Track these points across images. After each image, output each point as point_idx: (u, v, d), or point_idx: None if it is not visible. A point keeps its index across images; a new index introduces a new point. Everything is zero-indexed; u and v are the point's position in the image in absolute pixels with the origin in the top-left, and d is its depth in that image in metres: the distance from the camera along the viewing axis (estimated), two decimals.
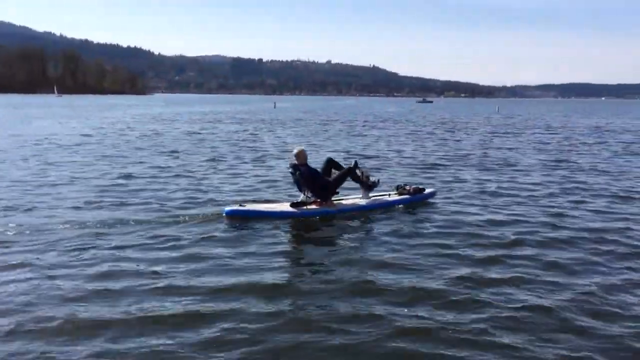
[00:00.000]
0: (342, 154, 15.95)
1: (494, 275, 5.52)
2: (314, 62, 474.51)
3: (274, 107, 70.95)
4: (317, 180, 8.06)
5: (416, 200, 8.66)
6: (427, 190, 8.94)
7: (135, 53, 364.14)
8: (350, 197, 8.68)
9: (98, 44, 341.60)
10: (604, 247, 6.60)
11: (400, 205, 8.48)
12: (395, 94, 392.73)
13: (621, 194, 10.16)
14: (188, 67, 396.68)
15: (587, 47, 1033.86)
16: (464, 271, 5.61)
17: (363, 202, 8.40)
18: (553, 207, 8.85)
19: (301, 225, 7.55)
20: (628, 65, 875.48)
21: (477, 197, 9.61)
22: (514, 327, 4.36)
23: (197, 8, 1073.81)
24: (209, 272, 5.50)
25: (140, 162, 13.74)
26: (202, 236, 6.71)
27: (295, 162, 8.08)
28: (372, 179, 8.53)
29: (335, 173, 8.33)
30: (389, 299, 4.88)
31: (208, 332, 4.20)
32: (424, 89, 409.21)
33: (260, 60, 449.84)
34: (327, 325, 4.34)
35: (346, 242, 6.92)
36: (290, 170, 8.25)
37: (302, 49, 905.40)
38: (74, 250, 6.11)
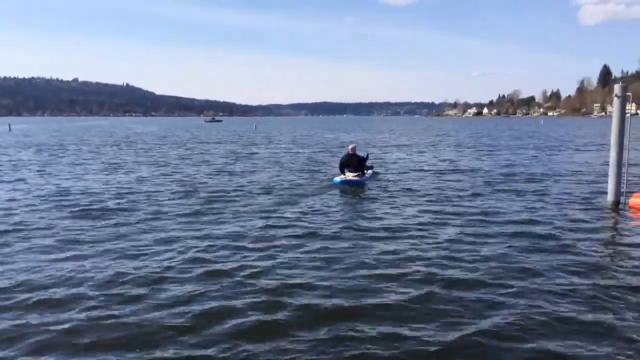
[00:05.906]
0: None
1: None
2: (58, 80, 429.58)
3: (9, 130, 61.86)
4: (362, 162, 14.62)
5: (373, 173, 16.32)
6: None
7: None
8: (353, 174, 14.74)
9: None
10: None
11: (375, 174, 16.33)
12: (152, 113, 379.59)
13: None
14: None
15: (330, 71, 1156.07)
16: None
17: (368, 175, 15.16)
18: None
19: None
20: (362, 88, 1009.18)
21: None
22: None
23: None
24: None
25: None
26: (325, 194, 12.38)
27: (350, 152, 14.62)
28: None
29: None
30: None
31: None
32: (182, 108, 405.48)
33: None
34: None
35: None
36: (346, 156, 14.62)
37: (42, 64, 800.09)
38: None
